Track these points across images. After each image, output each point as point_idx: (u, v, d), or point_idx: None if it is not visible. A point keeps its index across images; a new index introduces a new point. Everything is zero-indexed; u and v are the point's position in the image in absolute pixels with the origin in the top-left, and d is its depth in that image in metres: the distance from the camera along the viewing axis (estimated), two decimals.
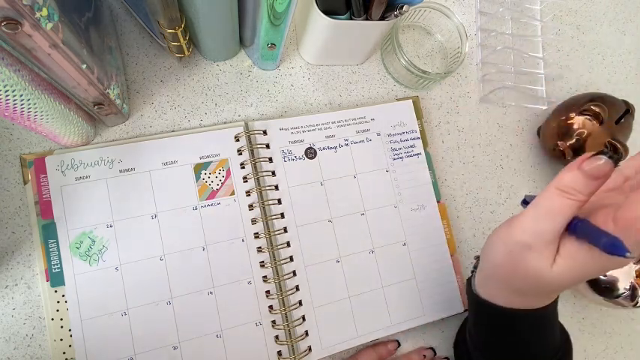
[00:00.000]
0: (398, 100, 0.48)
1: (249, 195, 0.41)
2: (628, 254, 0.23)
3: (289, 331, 0.39)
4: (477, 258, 0.35)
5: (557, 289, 0.30)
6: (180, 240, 0.38)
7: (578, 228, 0.26)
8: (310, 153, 0.43)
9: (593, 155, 0.24)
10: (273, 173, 0.42)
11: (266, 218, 0.40)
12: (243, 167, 0.41)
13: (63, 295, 0.36)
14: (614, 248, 0.23)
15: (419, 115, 0.48)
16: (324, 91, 0.47)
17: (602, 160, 0.24)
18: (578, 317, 0.50)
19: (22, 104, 0.27)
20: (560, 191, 0.25)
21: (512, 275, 0.29)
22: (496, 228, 0.30)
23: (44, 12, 0.23)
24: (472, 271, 0.36)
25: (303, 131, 0.43)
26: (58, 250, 0.36)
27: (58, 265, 0.36)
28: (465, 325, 0.42)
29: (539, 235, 0.26)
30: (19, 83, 0.26)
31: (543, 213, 0.26)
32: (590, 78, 0.57)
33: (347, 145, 0.44)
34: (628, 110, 0.46)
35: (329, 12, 0.39)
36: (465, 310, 0.44)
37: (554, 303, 0.32)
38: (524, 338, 0.33)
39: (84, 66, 0.29)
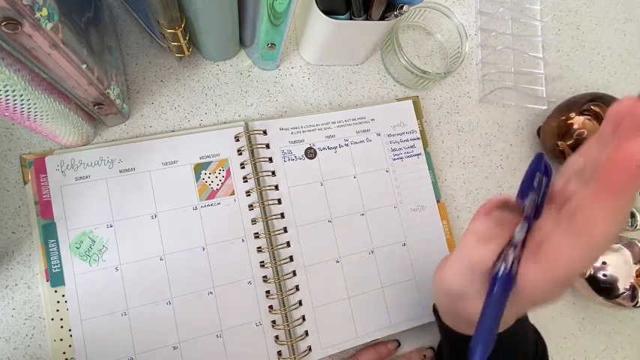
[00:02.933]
0: (398, 100, 0.48)
1: (249, 195, 0.41)
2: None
3: (289, 331, 0.39)
4: None
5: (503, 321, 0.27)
6: (180, 240, 0.38)
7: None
8: (310, 153, 0.43)
9: (500, 201, 0.24)
10: (273, 173, 0.42)
11: (266, 218, 0.40)
12: (243, 167, 0.41)
13: (63, 295, 0.36)
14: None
15: (419, 115, 0.48)
16: (324, 91, 0.47)
17: (506, 213, 0.23)
18: (578, 317, 0.50)
19: (22, 104, 0.27)
20: (478, 239, 0.24)
21: (456, 314, 0.30)
22: (436, 269, 0.30)
23: (44, 12, 0.23)
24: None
25: (303, 131, 0.43)
26: (58, 250, 0.36)
27: (58, 265, 0.36)
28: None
29: (469, 283, 0.26)
30: (19, 83, 0.26)
31: (467, 262, 0.25)
32: (590, 78, 0.57)
33: (347, 145, 0.44)
34: None
35: (329, 12, 0.39)
36: None
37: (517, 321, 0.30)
38: None
39: (84, 66, 0.29)
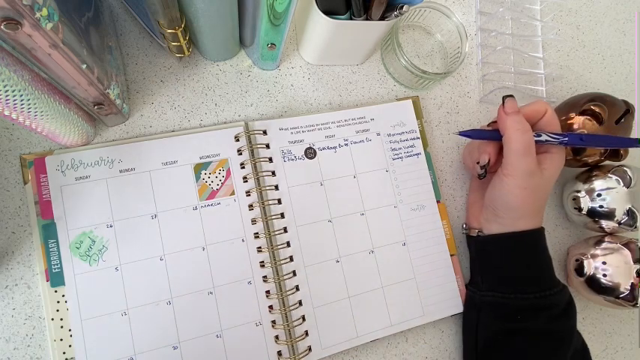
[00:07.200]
0: (398, 100, 0.48)
1: (249, 195, 0.41)
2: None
3: (289, 331, 0.39)
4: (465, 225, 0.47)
5: (551, 187, 0.41)
6: (181, 240, 0.38)
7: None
8: (310, 153, 0.43)
9: (505, 99, 0.40)
10: (273, 173, 0.42)
11: (266, 218, 0.40)
12: (243, 167, 0.41)
13: (63, 295, 0.36)
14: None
15: (419, 115, 0.48)
16: (324, 91, 0.47)
17: (509, 99, 0.40)
18: (578, 317, 0.50)
19: (22, 104, 0.27)
20: (520, 130, 0.38)
21: (533, 201, 0.40)
22: (490, 189, 0.42)
23: (44, 12, 0.23)
24: (465, 233, 0.47)
25: (303, 131, 0.43)
26: (58, 250, 0.36)
27: (58, 265, 0.36)
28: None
29: (531, 161, 0.38)
30: (19, 83, 0.26)
31: (523, 148, 0.38)
32: (590, 78, 0.57)
33: (347, 145, 0.44)
34: (628, 110, 0.46)
35: (329, 12, 0.39)
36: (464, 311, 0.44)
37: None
38: (541, 255, 0.42)
39: (84, 66, 0.29)
